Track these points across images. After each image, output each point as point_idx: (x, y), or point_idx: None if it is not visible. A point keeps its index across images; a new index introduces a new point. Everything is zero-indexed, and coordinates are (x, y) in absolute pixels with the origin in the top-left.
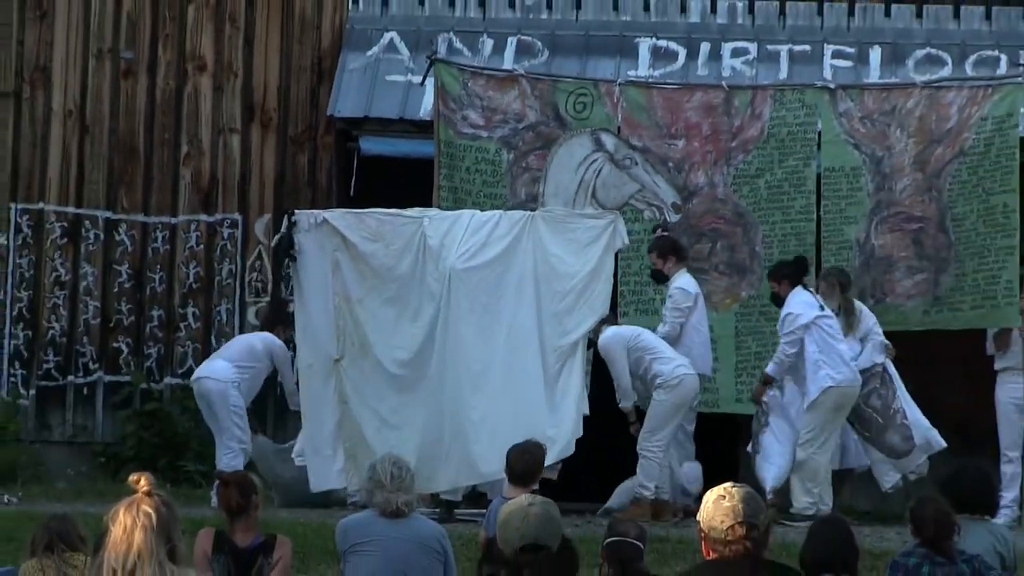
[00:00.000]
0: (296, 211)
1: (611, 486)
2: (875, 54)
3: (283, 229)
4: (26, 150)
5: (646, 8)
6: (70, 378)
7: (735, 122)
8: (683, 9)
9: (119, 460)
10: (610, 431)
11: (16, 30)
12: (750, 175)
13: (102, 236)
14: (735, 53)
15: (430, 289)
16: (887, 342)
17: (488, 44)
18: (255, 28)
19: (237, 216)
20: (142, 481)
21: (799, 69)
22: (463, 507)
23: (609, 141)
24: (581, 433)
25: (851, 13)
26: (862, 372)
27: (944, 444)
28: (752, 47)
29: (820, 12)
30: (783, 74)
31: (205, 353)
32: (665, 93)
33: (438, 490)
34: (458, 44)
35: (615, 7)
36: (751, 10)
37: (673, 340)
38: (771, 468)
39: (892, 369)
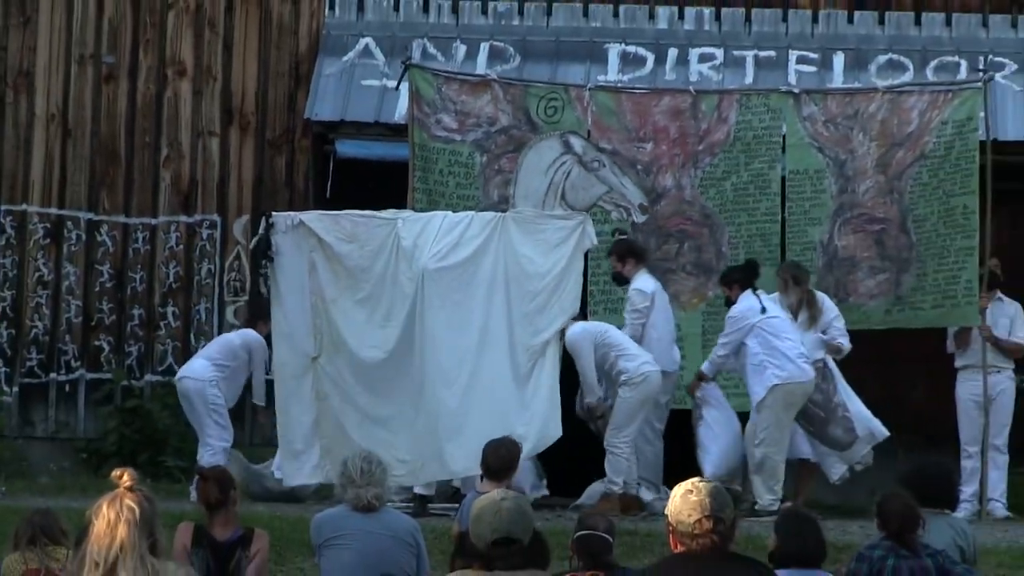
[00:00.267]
0: (273, 213)
1: (581, 481)
2: (838, 60)
3: (261, 231)
4: (10, 153)
5: (615, 15)
6: (52, 375)
7: (702, 126)
8: (651, 16)
9: (101, 456)
10: (581, 427)
11: (0, 36)
12: (716, 177)
13: (84, 237)
14: (702, 58)
15: (403, 289)
16: (838, 341)
17: (461, 50)
18: (234, 34)
19: (216, 217)
20: (125, 476)
21: (764, 74)
22: (436, 501)
23: (578, 144)
24: (560, 433)
25: (815, 20)
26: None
27: (887, 433)
28: (719, 53)
29: (785, 19)
30: (749, 79)
31: (185, 351)
32: (634, 97)
33: (416, 483)
34: (432, 50)
35: (585, 14)
36: (718, 17)
37: (636, 341)
38: (708, 458)
39: (833, 364)
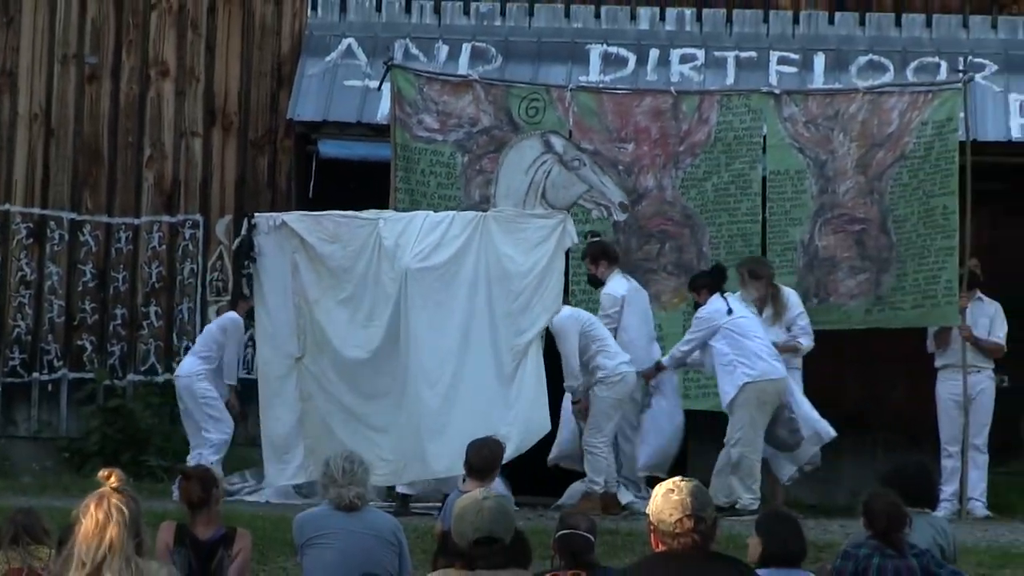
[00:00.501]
0: (256, 214)
1: (563, 480)
2: (819, 60)
3: (243, 232)
4: None
5: (597, 16)
6: (35, 375)
7: (683, 126)
8: (633, 17)
9: (83, 455)
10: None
11: None
12: (698, 178)
13: (67, 236)
14: (683, 59)
15: (385, 289)
16: (798, 340)
17: (443, 50)
18: (216, 34)
19: (199, 217)
20: (112, 477)
21: (745, 75)
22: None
23: (558, 143)
24: (548, 426)
25: (796, 21)
26: None
27: (833, 434)
28: (700, 53)
29: (766, 20)
30: (730, 80)
31: (167, 351)
32: (615, 98)
33: (399, 482)
34: (414, 50)
35: (567, 15)
36: (699, 18)
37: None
38: (644, 449)
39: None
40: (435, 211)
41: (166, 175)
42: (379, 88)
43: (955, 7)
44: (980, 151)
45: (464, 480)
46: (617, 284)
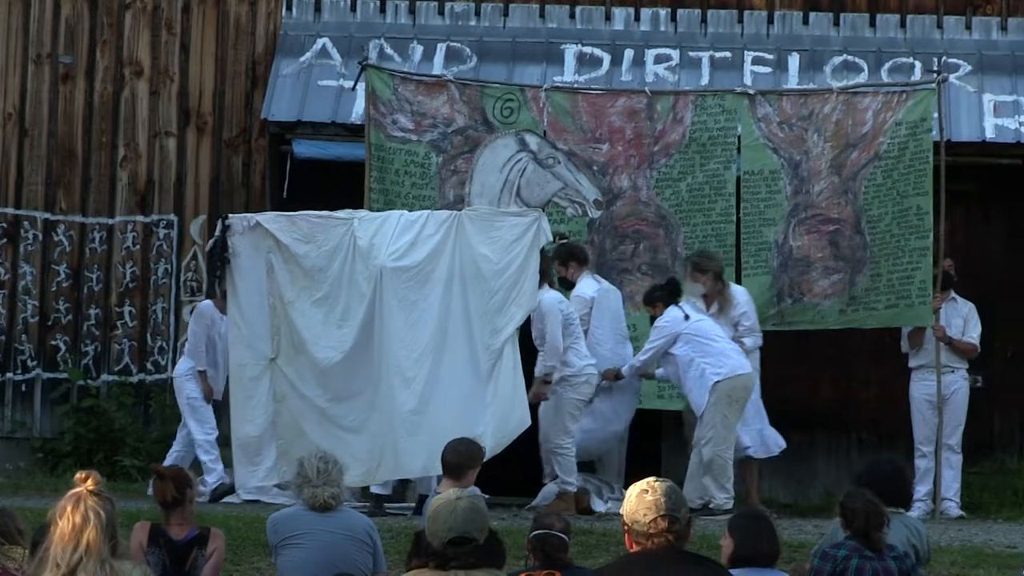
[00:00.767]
0: (230, 215)
1: (536, 481)
2: (794, 61)
3: (217, 232)
4: None
5: (571, 16)
6: (9, 375)
7: (657, 126)
8: (608, 17)
9: (57, 455)
10: (534, 428)
11: None
12: (672, 178)
13: (40, 236)
14: (658, 59)
15: (360, 289)
16: (743, 339)
17: (418, 50)
18: (191, 34)
19: (173, 217)
20: (89, 480)
21: (720, 75)
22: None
23: (533, 141)
24: (528, 421)
25: (770, 21)
26: None
27: (783, 446)
28: (674, 54)
29: (740, 20)
30: (704, 80)
31: (141, 351)
32: (590, 98)
33: (373, 482)
34: (389, 50)
35: (541, 15)
36: (673, 18)
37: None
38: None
39: None
40: (410, 211)
41: (140, 175)
42: (354, 88)
43: (929, 8)
44: (954, 151)
45: (439, 480)
46: (586, 285)
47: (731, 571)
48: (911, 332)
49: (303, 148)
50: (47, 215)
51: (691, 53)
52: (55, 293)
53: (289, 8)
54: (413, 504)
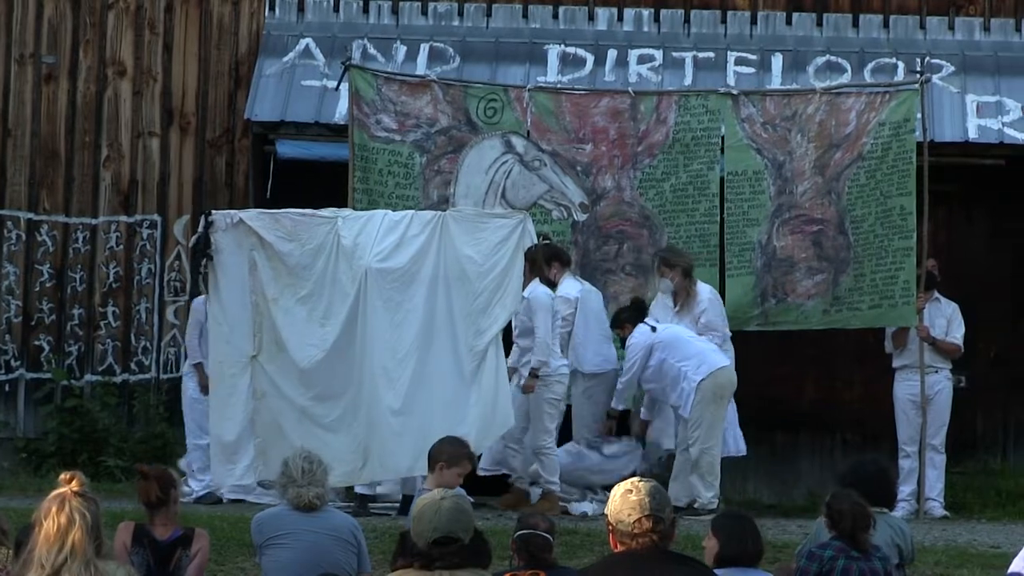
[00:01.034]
0: (213, 211)
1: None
2: (777, 61)
3: (200, 229)
4: None
5: (555, 16)
6: None
7: (641, 127)
8: (591, 17)
9: (40, 455)
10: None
11: None
12: (656, 179)
13: (24, 236)
14: (641, 60)
15: (343, 288)
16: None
17: (401, 50)
18: (174, 34)
19: (156, 217)
20: (74, 482)
21: (703, 75)
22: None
23: (519, 143)
24: (512, 423)
25: (754, 21)
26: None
27: (744, 452)
28: (658, 54)
29: (724, 20)
30: (688, 80)
31: (125, 351)
32: (573, 98)
33: (356, 483)
34: (372, 50)
35: (525, 15)
36: (657, 18)
37: (563, 347)
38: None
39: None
40: (393, 211)
41: (123, 175)
42: (337, 88)
43: (912, 8)
44: (937, 152)
45: (425, 479)
46: (570, 286)
47: (716, 571)
48: (895, 332)
49: (286, 148)
50: (30, 215)
51: (674, 53)
52: (38, 293)
53: (272, 8)
54: (397, 503)
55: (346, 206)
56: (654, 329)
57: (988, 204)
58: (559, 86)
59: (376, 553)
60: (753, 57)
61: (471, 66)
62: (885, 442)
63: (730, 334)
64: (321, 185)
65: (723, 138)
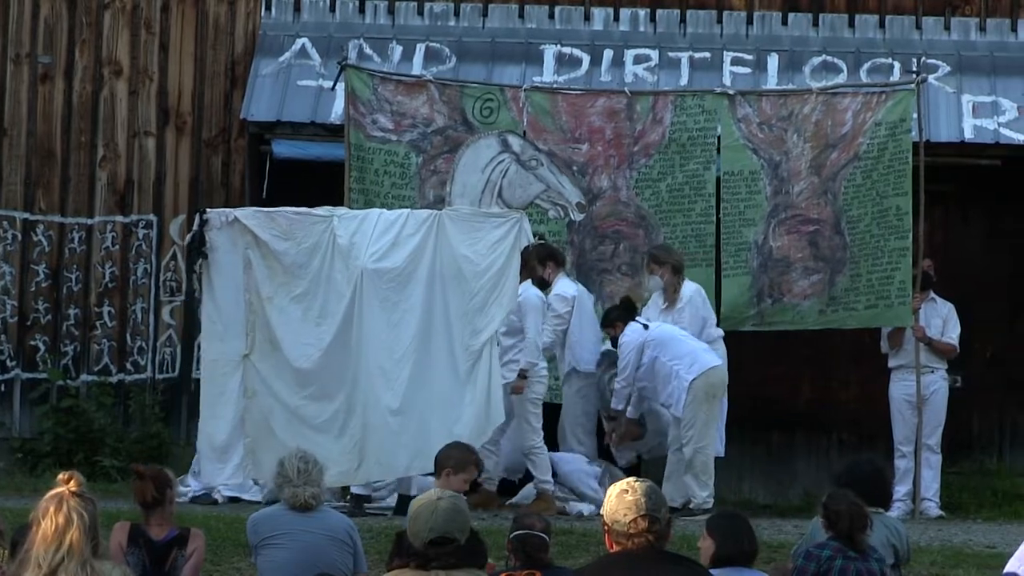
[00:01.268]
0: (208, 209)
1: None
2: (773, 61)
3: (195, 227)
4: None
5: (551, 16)
6: None
7: (637, 127)
8: (587, 17)
9: (36, 455)
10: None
11: None
12: (652, 179)
13: (20, 236)
14: (637, 60)
15: (338, 288)
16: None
17: (397, 50)
18: (170, 34)
19: (152, 217)
20: (72, 482)
21: (699, 75)
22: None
23: (516, 142)
24: (503, 417)
25: (749, 21)
26: (606, 354)
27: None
28: (654, 54)
29: (720, 20)
30: (684, 80)
31: (121, 351)
32: (569, 98)
33: (352, 483)
34: (368, 50)
35: (521, 15)
36: (653, 18)
37: (558, 345)
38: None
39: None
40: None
41: (119, 175)
42: (333, 88)
43: (908, 8)
44: (933, 152)
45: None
46: (566, 285)
47: (712, 571)
48: (891, 332)
49: (282, 148)
50: (26, 215)
51: (670, 53)
52: (34, 293)
53: (268, 8)
54: (393, 505)
55: (342, 206)
56: (646, 327)
57: (984, 204)
58: (555, 86)
59: (372, 553)
60: (749, 57)
61: (467, 66)
62: (881, 442)
63: (722, 333)
64: (317, 185)
65: (719, 138)
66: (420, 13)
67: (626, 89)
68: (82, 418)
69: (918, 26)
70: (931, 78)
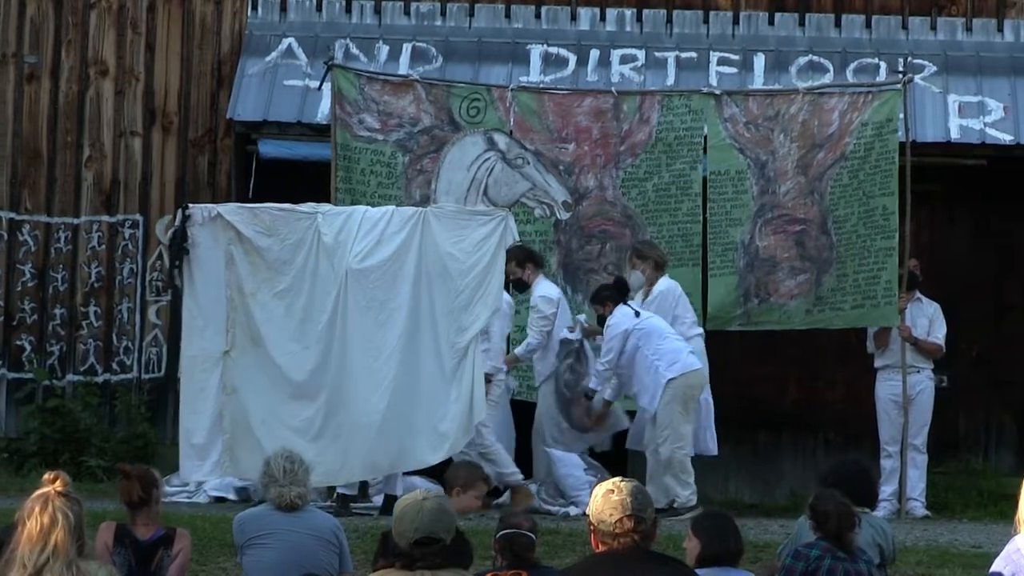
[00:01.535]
0: (190, 205)
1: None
2: (759, 61)
3: (177, 222)
4: None
5: (537, 16)
6: None
7: (624, 127)
8: (573, 17)
9: (22, 455)
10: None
11: None
12: (638, 178)
13: (6, 236)
14: (624, 60)
15: (323, 285)
16: (581, 320)
17: (384, 50)
18: (156, 34)
19: (138, 217)
20: (58, 482)
21: (686, 75)
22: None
23: (502, 140)
24: (484, 415)
25: (736, 21)
26: (564, 343)
27: (627, 424)
28: (640, 54)
29: (706, 20)
30: (670, 80)
31: (107, 351)
32: (556, 98)
33: (334, 483)
34: (355, 50)
35: (507, 15)
36: (639, 18)
37: (542, 346)
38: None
39: (588, 348)
40: None
41: (105, 175)
42: (319, 88)
43: (894, 8)
44: (919, 152)
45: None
46: (548, 287)
47: (697, 571)
48: (877, 332)
49: (269, 148)
50: (12, 215)
51: (657, 53)
52: (20, 293)
53: (255, 8)
54: (379, 505)
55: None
56: (638, 315)
57: (970, 204)
58: (542, 86)
59: (358, 553)
60: (735, 57)
61: (454, 66)
62: (867, 442)
63: (701, 332)
64: (304, 185)
65: (706, 138)
66: (407, 13)
67: (613, 89)
68: (68, 418)
69: (904, 26)
70: (917, 78)
